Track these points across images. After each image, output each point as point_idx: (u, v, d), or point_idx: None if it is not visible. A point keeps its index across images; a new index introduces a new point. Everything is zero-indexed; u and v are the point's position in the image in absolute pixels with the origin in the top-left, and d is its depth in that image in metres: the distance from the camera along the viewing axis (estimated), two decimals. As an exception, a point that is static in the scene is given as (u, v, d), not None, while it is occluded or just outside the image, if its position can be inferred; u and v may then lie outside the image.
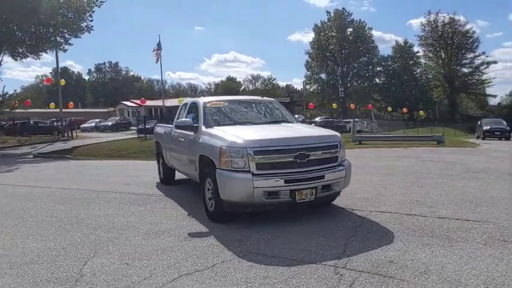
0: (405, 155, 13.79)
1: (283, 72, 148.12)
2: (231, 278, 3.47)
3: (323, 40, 64.62)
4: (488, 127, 28.05)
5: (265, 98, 7.27)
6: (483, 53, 54.34)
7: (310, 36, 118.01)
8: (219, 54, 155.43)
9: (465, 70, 56.08)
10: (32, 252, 4.37)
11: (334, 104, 45.46)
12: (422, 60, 60.81)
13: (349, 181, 5.48)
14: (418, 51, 60.51)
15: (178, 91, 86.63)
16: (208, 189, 5.47)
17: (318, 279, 3.39)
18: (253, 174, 4.71)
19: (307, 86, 69.43)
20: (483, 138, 26.80)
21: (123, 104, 62.08)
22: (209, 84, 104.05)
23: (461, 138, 28.77)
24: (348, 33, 63.86)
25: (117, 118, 48.11)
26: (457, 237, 4.37)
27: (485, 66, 54.08)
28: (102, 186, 8.76)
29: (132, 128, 38.59)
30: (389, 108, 53.62)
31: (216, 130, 5.63)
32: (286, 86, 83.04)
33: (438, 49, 56.92)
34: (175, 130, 7.01)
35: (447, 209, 5.54)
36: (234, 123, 6.03)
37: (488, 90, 57.00)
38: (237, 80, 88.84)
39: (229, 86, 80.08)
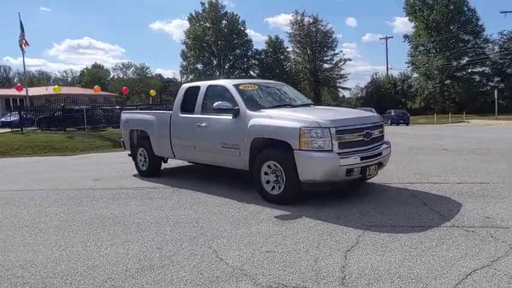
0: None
1: (148, 61, 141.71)
2: (393, 248, 3.64)
3: (199, 31, 64.51)
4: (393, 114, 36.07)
5: (277, 82, 7.30)
6: (340, 51, 62.57)
7: (172, 25, 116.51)
8: (71, 39, 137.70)
9: (327, 66, 63.47)
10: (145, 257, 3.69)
11: None
12: (292, 56, 66.33)
13: (388, 158, 6.03)
14: (288, 47, 65.72)
15: (32, 79, 75.02)
16: (267, 172, 5.36)
17: (461, 237, 3.83)
18: (338, 153, 4.86)
19: (183, 76, 68.78)
20: (390, 124, 32.66)
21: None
22: (65, 72, 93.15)
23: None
24: (223, 25, 65.19)
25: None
26: (493, 194, 5.36)
27: (343, 62, 62.28)
28: (69, 183, 7.49)
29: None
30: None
31: (271, 112, 5.54)
32: (160, 76, 80.00)
33: (305, 46, 62.88)
34: (190, 115, 6.51)
35: (449, 177, 6.63)
36: (275, 106, 5.98)
37: (345, 84, 65.87)
38: (105, 67, 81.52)
39: (96, 74, 72.99)
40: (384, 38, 59.29)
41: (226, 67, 68.29)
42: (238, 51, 67.16)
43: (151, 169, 7.71)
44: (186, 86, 7.11)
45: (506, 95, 48.18)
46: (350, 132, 5.06)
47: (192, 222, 4.72)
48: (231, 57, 67.86)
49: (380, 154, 5.40)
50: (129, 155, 8.44)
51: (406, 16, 54.89)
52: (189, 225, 4.58)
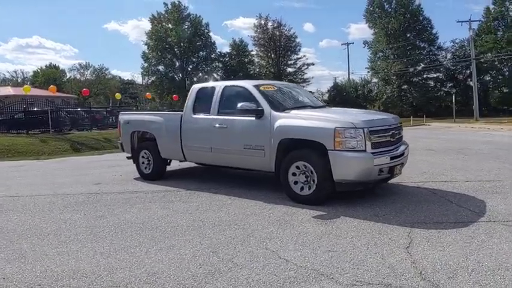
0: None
1: (104, 62, 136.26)
2: (449, 243, 3.76)
3: (161, 32, 63.28)
4: None
5: (289, 83, 7.32)
6: (304, 55, 63.63)
7: (129, 26, 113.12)
8: (19, 38, 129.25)
9: (290, 70, 64.40)
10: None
11: (174, 96, 44.88)
12: (256, 59, 66.64)
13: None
14: (252, 50, 65.96)
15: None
16: (295, 173, 5.36)
17: (505, 232, 4.04)
18: (371, 153, 4.96)
19: (145, 78, 67.24)
20: None
21: None
22: (15, 72, 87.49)
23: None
24: (186, 26, 64.41)
25: None
26: (505, 191, 5.70)
27: (306, 67, 63.44)
28: (68, 188, 7.08)
29: None
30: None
31: (298, 113, 5.56)
32: (119, 77, 77.35)
33: (269, 50, 63.42)
34: (205, 116, 6.38)
35: (454, 175, 6.96)
36: (297, 107, 6.00)
37: (308, 88, 67.13)
38: (60, 68, 77.43)
39: (51, 75, 69.28)
40: (345, 44, 61.10)
41: (189, 69, 67.48)
42: (201, 53, 66.49)
43: (156, 172, 7.44)
44: (197, 86, 6.94)
45: (458, 100, 51.24)
46: (380, 132, 5.19)
47: (230, 224, 4.62)
48: (194, 59, 67.04)
49: (403, 154, 5.57)
50: (128, 157, 8.11)
51: (366, 23, 56.98)
52: (230, 228, 4.48)
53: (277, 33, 62.60)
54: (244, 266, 3.42)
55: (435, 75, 54.08)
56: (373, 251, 3.64)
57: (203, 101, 6.57)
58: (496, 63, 49.09)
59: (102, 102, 62.04)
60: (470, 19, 35.48)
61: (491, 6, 51.07)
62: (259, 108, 5.70)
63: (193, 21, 65.18)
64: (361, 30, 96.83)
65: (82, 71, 72.69)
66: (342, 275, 3.18)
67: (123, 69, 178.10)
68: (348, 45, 55.01)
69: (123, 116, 8.07)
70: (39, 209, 5.68)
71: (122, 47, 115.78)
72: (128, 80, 76.52)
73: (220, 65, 67.81)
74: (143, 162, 7.65)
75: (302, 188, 5.33)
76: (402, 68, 51.99)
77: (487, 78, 51.03)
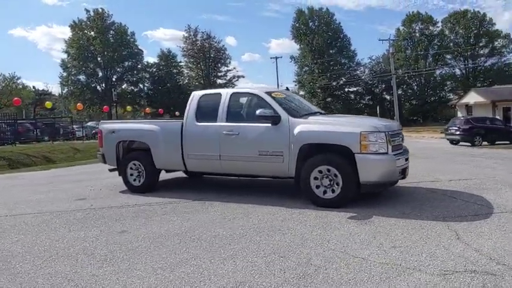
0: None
1: (10, 70, 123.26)
2: (490, 232, 4.18)
3: (82, 40, 59.58)
4: None
5: (286, 90, 7.45)
6: (234, 68, 64.67)
7: (38, 32, 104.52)
8: None
9: (221, 81, 64.71)
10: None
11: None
12: (185, 70, 65.87)
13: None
14: (181, 61, 65.07)
15: None
16: (317, 177, 5.49)
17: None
18: (393, 155, 5.31)
19: (64, 88, 62.64)
20: None
21: None
22: None
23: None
24: (111, 35, 61.50)
25: None
26: (488, 187, 6.45)
27: (236, 79, 64.37)
28: (52, 205, 6.37)
29: None
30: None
31: (317, 119, 5.74)
32: (33, 87, 70.62)
33: (198, 61, 63.20)
34: (212, 124, 6.24)
35: (437, 176, 7.67)
36: (310, 113, 6.17)
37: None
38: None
39: None
40: (274, 58, 63.01)
41: (114, 79, 64.30)
42: (127, 63, 63.82)
43: (148, 184, 7.01)
44: (199, 93, 6.74)
45: (374, 111, 56.04)
46: (395, 136, 5.58)
47: (273, 230, 4.56)
48: (118, 69, 64.06)
49: (408, 157, 6.04)
50: (111, 170, 7.55)
51: (293, 39, 59.84)
52: (276, 233, 4.42)
53: (207, 44, 62.76)
54: (328, 267, 3.44)
55: (355, 89, 58.72)
56: (433, 244, 3.90)
57: (207, 108, 6.42)
58: (406, 78, 54.75)
59: (12, 113, 55.95)
60: (390, 38, 39.17)
61: (401, 27, 57.16)
62: (276, 115, 5.75)
63: (118, 29, 62.47)
64: (281, 46, 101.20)
65: (-13, 78, 64.98)
66: (426, 267, 3.36)
67: (33, 79, 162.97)
68: (276, 59, 56.98)
69: (106, 125, 7.49)
70: (39, 229, 5.02)
71: (31, 55, 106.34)
72: (42, 90, 70.13)
73: (147, 76, 65.74)
74: (132, 174, 7.15)
75: (325, 192, 5.47)
76: (326, 82, 55.40)
77: (399, 92, 56.59)
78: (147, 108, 43.35)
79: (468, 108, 31.02)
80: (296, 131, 5.58)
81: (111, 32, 61.58)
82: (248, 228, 4.69)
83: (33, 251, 4.21)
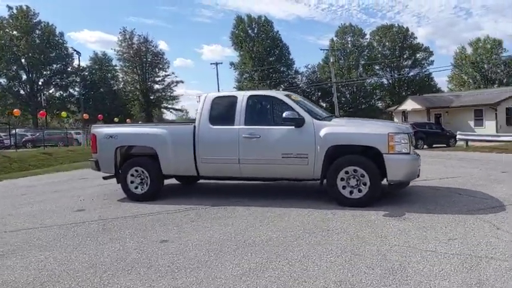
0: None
1: None
2: (514, 222, 4.64)
3: (4, 39, 54.27)
4: None
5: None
6: (173, 73, 63.16)
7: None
8: None
9: (158, 86, 62.93)
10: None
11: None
12: (121, 75, 62.97)
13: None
14: (116, 65, 62.10)
15: None
16: (343, 178, 5.65)
17: (530, 210, 5.18)
18: (415, 155, 5.66)
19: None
20: None
21: None
22: None
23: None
24: (36, 35, 56.84)
25: None
26: (478, 183, 7.12)
27: (175, 84, 62.97)
28: (56, 217, 5.77)
29: None
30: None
31: (340, 121, 5.95)
32: None
33: (134, 65, 60.81)
34: (229, 127, 6.11)
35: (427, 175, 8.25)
36: (329, 116, 6.35)
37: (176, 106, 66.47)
38: None
39: None
40: (214, 63, 62.54)
41: (40, 83, 59.40)
42: (55, 65, 59.32)
43: (152, 192, 6.62)
44: (212, 95, 6.52)
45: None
46: (412, 138, 5.94)
47: (325, 230, 4.60)
48: (45, 73, 59.29)
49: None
50: (106, 177, 7.02)
51: (232, 45, 60.27)
52: (331, 234, 4.46)
53: (143, 48, 60.70)
54: (409, 261, 3.56)
55: (294, 96, 60.71)
56: (481, 234, 4.23)
57: (222, 111, 6.28)
58: (340, 87, 57.88)
59: None
60: (330, 47, 41.14)
61: (335, 38, 60.42)
62: (300, 117, 5.82)
63: (45, 29, 57.88)
64: (213, 52, 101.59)
65: None
66: (494, 255, 3.65)
67: None
68: (216, 65, 56.80)
69: (102, 130, 6.93)
70: (61, 244, 4.51)
71: None
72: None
73: (78, 80, 61.62)
74: (133, 182, 6.70)
75: (351, 192, 5.64)
76: (266, 89, 56.57)
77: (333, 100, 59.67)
78: (85, 114, 40.63)
79: (404, 114, 33.69)
80: (322, 133, 5.69)
81: (37, 31, 56.95)
82: (291, 230, 4.66)
83: (75, 267, 3.78)
